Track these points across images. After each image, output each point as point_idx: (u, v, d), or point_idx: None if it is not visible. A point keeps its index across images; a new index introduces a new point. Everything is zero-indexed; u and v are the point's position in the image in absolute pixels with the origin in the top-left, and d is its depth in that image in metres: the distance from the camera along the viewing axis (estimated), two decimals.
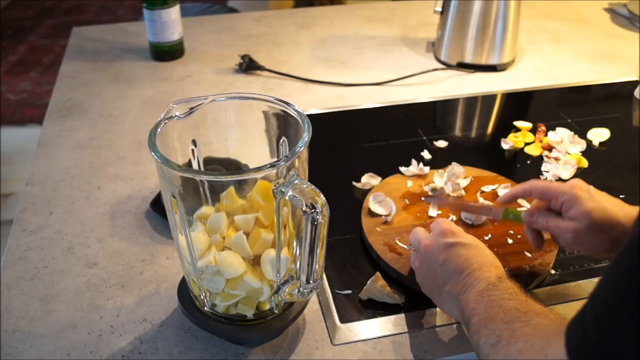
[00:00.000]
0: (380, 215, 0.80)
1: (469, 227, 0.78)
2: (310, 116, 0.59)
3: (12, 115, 2.82)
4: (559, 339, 0.43)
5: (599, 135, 1.02)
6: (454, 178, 0.86)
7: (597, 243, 0.63)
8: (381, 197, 0.82)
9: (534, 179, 0.71)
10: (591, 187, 0.66)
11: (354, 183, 0.90)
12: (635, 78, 1.22)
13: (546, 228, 0.67)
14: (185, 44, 1.29)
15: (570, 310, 0.69)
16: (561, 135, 1.00)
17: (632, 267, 0.37)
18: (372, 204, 0.81)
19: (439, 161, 0.95)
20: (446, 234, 0.64)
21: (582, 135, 1.02)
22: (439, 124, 1.10)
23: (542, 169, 0.94)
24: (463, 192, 0.84)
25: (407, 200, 0.84)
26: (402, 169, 0.90)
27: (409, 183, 0.87)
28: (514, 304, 0.54)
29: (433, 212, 0.81)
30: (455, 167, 0.87)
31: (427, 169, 0.89)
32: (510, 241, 0.76)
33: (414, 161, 0.91)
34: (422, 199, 0.83)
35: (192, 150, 0.62)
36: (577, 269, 0.75)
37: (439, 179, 0.87)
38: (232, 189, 0.59)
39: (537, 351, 0.46)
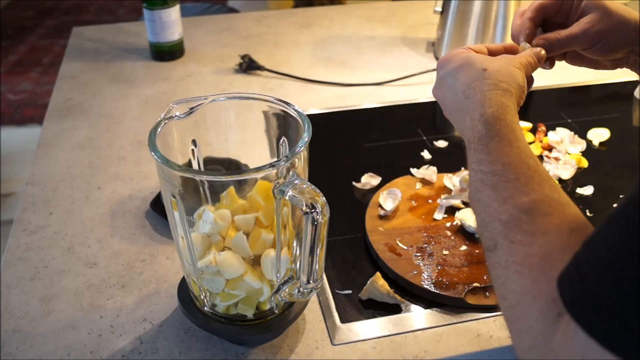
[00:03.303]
0: (385, 210, 0.81)
1: (470, 235, 0.78)
2: (310, 116, 0.59)
3: (12, 115, 2.82)
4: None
5: (599, 135, 1.02)
6: (467, 185, 0.85)
7: (616, 35, 0.60)
8: (395, 193, 0.83)
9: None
10: None
11: (354, 183, 0.90)
12: (635, 78, 1.22)
13: (561, 40, 0.61)
14: (185, 44, 1.29)
15: None
16: (561, 135, 1.00)
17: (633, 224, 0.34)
18: (382, 197, 0.82)
19: (439, 161, 0.94)
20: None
21: (582, 135, 1.02)
22: (439, 124, 1.10)
23: None
24: None
25: (413, 202, 0.84)
26: (413, 170, 0.90)
27: (418, 185, 0.87)
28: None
29: (439, 215, 0.81)
30: (466, 174, 0.86)
31: (434, 177, 0.88)
32: None
33: (425, 165, 0.91)
34: None
35: (192, 150, 0.62)
36: None
37: (449, 182, 0.87)
38: (232, 189, 0.59)
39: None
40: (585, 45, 0.62)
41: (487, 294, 0.70)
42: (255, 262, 0.60)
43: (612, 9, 0.61)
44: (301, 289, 0.58)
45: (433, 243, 0.76)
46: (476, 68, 0.57)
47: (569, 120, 1.07)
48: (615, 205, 0.85)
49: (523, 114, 1.09)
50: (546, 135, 1.01)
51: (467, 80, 0.57)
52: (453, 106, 0.58)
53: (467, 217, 0.78)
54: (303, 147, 0.55)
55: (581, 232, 0.43)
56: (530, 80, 0.60)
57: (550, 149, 0.98)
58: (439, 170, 0.90)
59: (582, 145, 0.99)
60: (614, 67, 0.66)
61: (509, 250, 0.45)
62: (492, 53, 0.62)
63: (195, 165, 0.63)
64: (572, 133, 1.01)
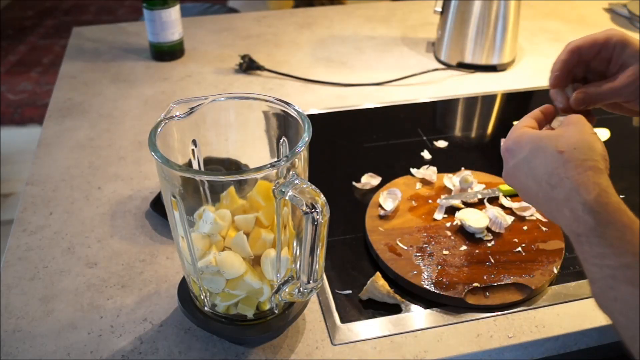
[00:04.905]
0: (386, 210, 0.81)
1: (470, 235, 0.78)
2: (310, 116, 0.59)
3: (12, 115, 2.82)
4: None
5: (599, 135, 1.01)
6: (467, 185, 0.85)
7: None
8: (395, 193, 0.83)
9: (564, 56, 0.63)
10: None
11: (354, 183, 0.90)
12: None
13: (602, 94, 0.59)
14: (185, 44, 1.29)
15: (570, 309, 0.69)
16: None
17: None
18: (382, 197, 0.82)
19: (439, 161, 0.94)
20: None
21: None
22: (439, 124, 1.10)
23: None
24: (479, 196, 0.84)
25: (413, 202, 0.84)
26: (413, 170, 0.90)
27: (418, 185, 0.87)
28: None
29: (439, 215, 0.81)
30: (466, 174, 0.86)
31: (434, 177, 0.88)
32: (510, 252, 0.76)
33: (425, 165, 0.91)
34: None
35: (192, 150, 0.62)
36: (577, 269, 0.75)
37: (449, 182, 0.86)
38: (232, 189, 0.59)
39: None
40: (627, 98, 0.59)
41: (487, 294, 0.70)
42: (255, 262, 0.60)
43: None
44: (301, 289, 0.58)
45: (433, 243, 0.76)
46: (551, 151, 0.53)
47: None
48: None
49: (523, 114, 1.09)
50: None
51: (547, 168, 0.52)
52: (539, 196, 0.54)
53: (467, 217, 0.78)
54: (303, 147, 0.55)
55: None
56: None
57: None
58: (439, 170, 0.90)
59: None
60: None
61: None
62: (546, 116, 0.60)
63: (195, 165, 0.63)
64: None
